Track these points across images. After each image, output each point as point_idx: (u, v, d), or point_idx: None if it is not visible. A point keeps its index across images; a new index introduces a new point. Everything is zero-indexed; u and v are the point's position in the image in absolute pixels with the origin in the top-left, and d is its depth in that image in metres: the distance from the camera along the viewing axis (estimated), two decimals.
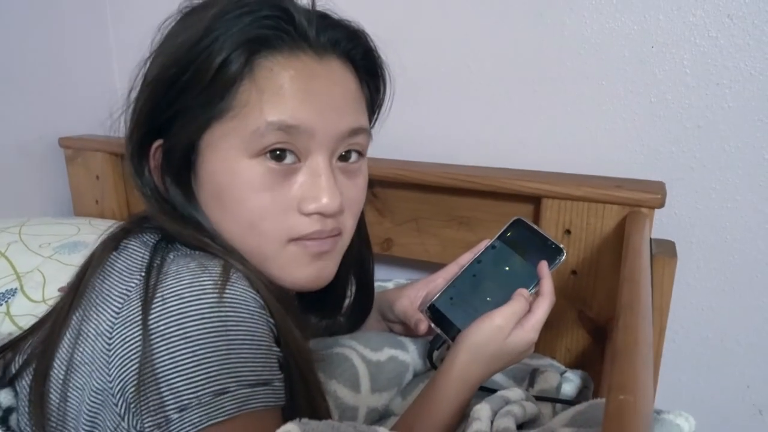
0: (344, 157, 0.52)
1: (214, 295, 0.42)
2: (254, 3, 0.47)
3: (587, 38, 0.85)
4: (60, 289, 0.90)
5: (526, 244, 0.64)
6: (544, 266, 0.61)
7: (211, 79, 0.46)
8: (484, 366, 0.56)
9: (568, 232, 0.79)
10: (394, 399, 0.66)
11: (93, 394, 0.43)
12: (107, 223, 1.14)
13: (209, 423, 0.40)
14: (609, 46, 0.84)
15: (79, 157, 1.28)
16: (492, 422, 0.49)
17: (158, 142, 0.50)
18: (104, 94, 1.36)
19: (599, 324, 0.80)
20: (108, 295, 0.46)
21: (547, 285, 0.60)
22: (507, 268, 0.64)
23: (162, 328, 0.41)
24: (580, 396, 0.68)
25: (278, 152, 0.47)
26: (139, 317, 0.42)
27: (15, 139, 1.21)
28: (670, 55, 0.81)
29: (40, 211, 1.29)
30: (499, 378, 0.70)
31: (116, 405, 0.42)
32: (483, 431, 0.47)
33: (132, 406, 0.41)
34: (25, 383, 0.49)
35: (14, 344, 0.54)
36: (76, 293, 0.48)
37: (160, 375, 0.40)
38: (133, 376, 0.41)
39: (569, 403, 0.62)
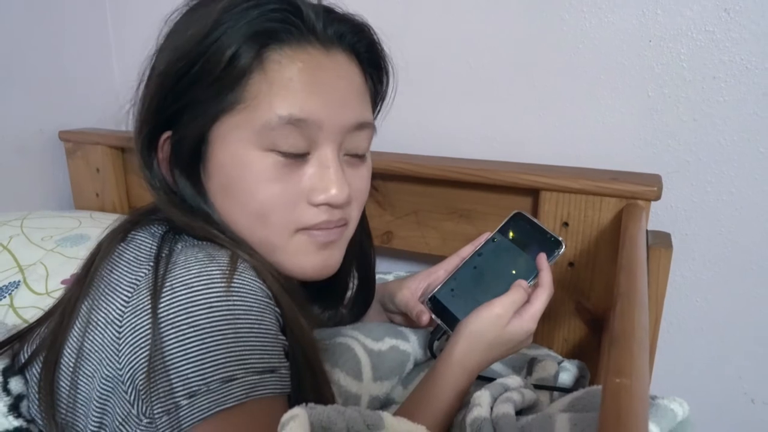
0: (350, 150, 0.53)
1: (222, 284, 0.43)
2: None
3: (586, 32, 0.86)
4: (62, 282, 0.91)
5: (526, 237, 0.66)
6: (542, 258, 0.62)
7: (221, 71, 0.46)
8: (483, 353, 0.57)
9: (566, 224, 0.80)
10: (396, 388, 0.67)
11: (103, 381, 0.44)
12: (108, 216, 1.16)
13: (218, 409, 0.40)
14: (607, 40, 0.85)
15: (79, 150, 1.28)
16: (492, 408, 0.50)
17: (167, 134, 0.50)
18: (104, 87, 1.37)
19: (596, 315, 0.81)
20: (117, 285, 0.47)
21: (546, 276, 0.61)
22: (507, 261, 0.65)
23: (171, 316, 0.42)
24: (577, 385, 0.69)
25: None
26: (149, 306, 0.43)
27: (15, 133, 1.21)
28: (667, 50, 0.82)
29: (41, 205, 1.29)
30: (498, 367, 0.72)
31: (126, 392, 0.43)
32: (483, 416, 0.48)
33: (141, 393, 0.42)
34: (35, 371, 0.49)
35: (23, 334, 0.54)
36: (84, 283, 0.49)
37: (170, 362, 0.41)
38: (142, 363, 0.42)
39: (566, 391, 0.63)
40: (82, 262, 0.52)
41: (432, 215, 0.95)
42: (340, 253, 0.56)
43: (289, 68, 0.48)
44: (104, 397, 0.44)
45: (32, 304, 0.87)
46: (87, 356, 0.46)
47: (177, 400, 0.41)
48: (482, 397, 0.51)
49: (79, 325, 0.47)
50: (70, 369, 0.46)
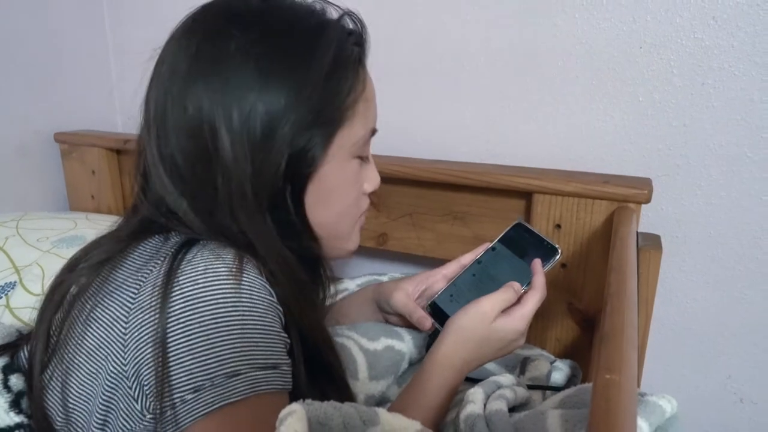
0: None
1: (229, 281, 0.44)
2: (339, 22, 0.52)
3: (578, 38, 0.88)
4: None
5: (525, 245, 0.68)
6: (537, 263, 0.65)
7: (340, 103, 0.51)
8: (470, 350, 0.59)
9: (559, 226, 0.82)
10: (391, 387, 0.68)
11: (109, 378, 0.45)
12: (104, 218, 1.16)
13: (223, 403, 0.41)
14: (599, 46, 0.87)
15: (75, 152, 1.28)
16: (485, 405, 0.51)
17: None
18: (100, 88, 1.37)
19: (588, 315, 0.83)
20: (122, 283, 0.47)
21: (538, 280, 0.63)
22: (505, 268, 0.67)
23: (177, 312, 0.43)
24: (569, 384, 0.71)
25: None
26: (155, 302, 0.43)
27: (10, 134, 1.21)
28: (657, 56, 0.84)
29: (36, 206, 1.29)
30: (491, 366, 0.73)
31: (130, 388, 0.44)
32: (477, 413, 0.49)
33: (146, 388, 0.43)
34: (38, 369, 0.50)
35: (27, 336, 0.55)
36: (84, 281, 0.49)
37: (175, 358, 0.42)
38: (148, 358, 0.42)
39: (558, 390, 0.64)
40: (74, 258, 0.52)
41: (427, 217, 0.96)
42: None
43: (370, 86, 0.55)
44: (109, 393, 0.45)
45: (28, 304, 0.87)
46: (88, 353, 0.46)
47: (182, 394, 0.41)
48: (476, 394, 0.52)
49: (80, 323, 0.48)
50: (76, 366, 0.47)
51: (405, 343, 0.70)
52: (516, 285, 0.63)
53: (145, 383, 0.43)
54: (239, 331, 0.43)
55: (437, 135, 1.02)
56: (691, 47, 0.81)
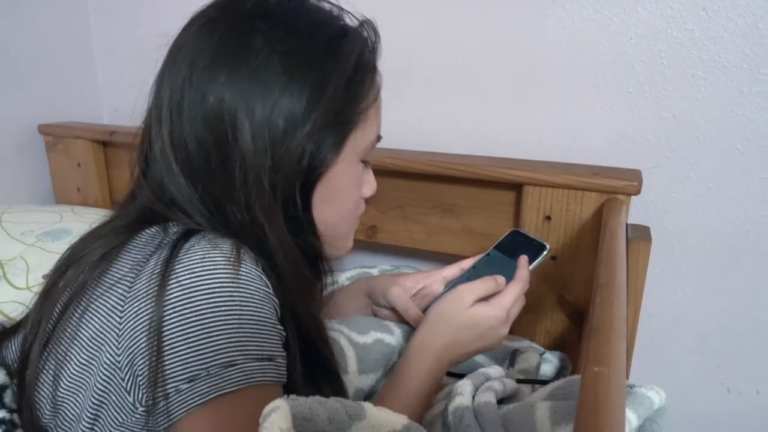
0: None
1: (226, 271, 0.44)
2: (359, 29, 0.54)
3: (568, 29, 0.87)
4: (44, 276, 0.90)
5: (517, 247, 0.70)
6: (523, 259, 0.67)
7: (362, 105, 0.53)
8: (448, 335, 0.60)
9: (549, 218, 0.81)
10: (380, 380, 0.68)
11: (102, 370, 0.44)
12: (91, 211, 1.14)
13: (217, 394, 0.41)
14: (589, 37, 0.86)
15: (60, 144, 1.27)
16: (473, 397, 0.51)
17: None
18: (85, 79, 1.35)
19: (578, 307, 0.83)
20: (117, 273, 0.47)
21: (521, 272, 0.65)
22: (497, 269, 0.68)
23: (174, 301, 0.42)
24: (559, 376, 0.71)
25: None
26: (150, 291, 0.43)
27: None
28: (647, 47, 0.83)
29: (20, 199, 1.27)
30: (480, 359, 0.73)
31: (123, 380, 0.43)
32: (465, 405, 0.49)
33: (139, 378, 0.42)
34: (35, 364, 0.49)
35: (10, 329, 0.54)
36: (77, 273, 0.49)
37: (171, 346, 0.41)
38: (143, 347, 0.42)
39: (547, 383, 0.64)
40: (72, 251, 0.52)
41: (417, 209, 0.96)
42: None
43: (380, 93, 0.57)
44: (103, 386, 0.45)
45: (12, 298, 0.86)
46: (82, 345, 0.46)
47: (176, 384, 0.41)
48: (464, 386, 0.52)
49: (76, 315, 0.47)
50: (59, 358, 0.46)
51: (394, 337, 0.70)
52: (499, 278, 0.64)
53: (139, 373, 0.42)
54: (236, 321, 0.43)
55: (427, 127, 1.02)
56: (681, 38, 0.81)
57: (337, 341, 0.65)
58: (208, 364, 0.41)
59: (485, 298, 0.62)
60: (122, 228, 0.51)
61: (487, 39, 0.93)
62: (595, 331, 0.40)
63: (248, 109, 0.47)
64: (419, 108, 1.01)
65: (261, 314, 0.45)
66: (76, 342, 0.46)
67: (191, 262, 0.44)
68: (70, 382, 0.46)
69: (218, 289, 0.43)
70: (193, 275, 0.43)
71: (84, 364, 0.45)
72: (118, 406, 0.44)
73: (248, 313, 0.44)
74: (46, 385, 0.47)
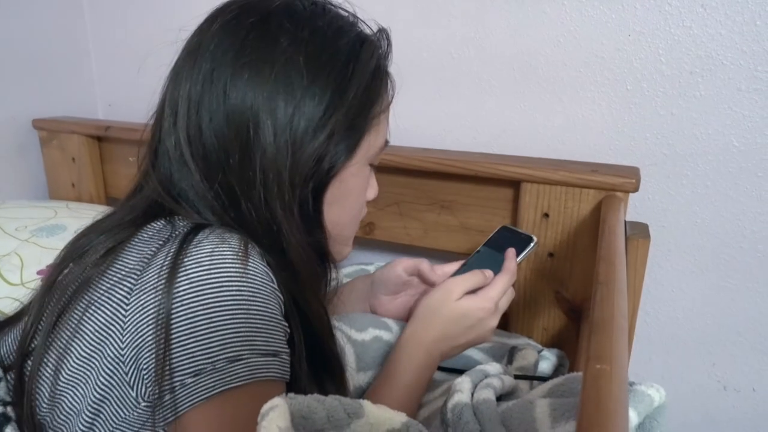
0: None
1: (235, 265, 0.44)
2: (376, 36, 0.56)
3: (566, 26, 0.87)
4: (39, 272, 0.89)
5: (505, 242, 0.70)
6: (510, 251, 0.67)
7: (377, 112, 0.54)
8: (437, 327, 0.60)
9: (546, 215, 0.81)
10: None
11: (105, 365, 0.44)
12: (85, 207, 1.13)
13: (223, 388, 0.41)
14: (587, 34, 0.86)
15: (55, 139, 1.26)
16: (472, 394, 0.51)
17: None
18: (80, 74, 1.34)
19: (575, 304, 0.83)
20: (123, 267, 0.46)
21: (508, 264, 0.66)
22: (487, 265, 0.68)
23: (182, 295, 0.42)
24: (557, 373, 0.71)
25: None
26: (158, 285, 0.43)
27: None
28: (646, 44, 0.83)
29: (14, 195, 1.26)
30: (478, 356, 0.73)
31: (126, 374, 0.43)
32: (464, 402, 0.49)
33: (144, 372, 0.42)
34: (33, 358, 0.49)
35: (13, 319, 0.54)
36: (79, 269, 0.48)
37: (178, 340, 0.41)
38: (149, 341, 0.42)
39: (545, 380, 0.64)
40: (74, 244, 0.51)
41: (414, 206, 0.95)
42: None
43: (392, 99, 0.58)
44: (106, 382, 0.44)
45: (7, 294, 0.85)
46: (85, 338, 0.45)
47: (182, 378, 0.41)
48: (463, 383, 0.52)
49: (79, 309, 0.46)
50: (60, 351, 0.46)
51: (393, 334, 0.70)
52: (487, 271, 0.65)
53: (144, 367, 0.42)
54: (243, 316, 0.43)
55: (424, 123, 1.01)
56: (679, 35, 0.81)
57: (336, 339, 0.65)
58: (215, 359, 0.41)
59: (474, 291, 0.63)
60: (128, 222, 0.50)
61: (485, 35, 0.93)
62: (596, 328, 0.40)
63: (271, 107, 0.48)
64: (416, 104, 1.01)
65: (268, 309, 0.45)
66: (78, 335, 0.46)
67: (200, 256, 0.44)
68: (70, 376, 0.46)
69: (227, 284, 0.43)
70: (202, 269, 0.43)
71: (86, 358, 0.45)
72: (120, 402, 0.43)
73: (255, 307, 0.44)
74: (45, 378, 0.47)
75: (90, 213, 1.05)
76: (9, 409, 0.48)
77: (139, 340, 0.42)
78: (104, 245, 0.49)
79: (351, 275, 0.92)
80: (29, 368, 0.48)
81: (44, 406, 0.47)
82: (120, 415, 0.44)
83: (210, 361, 0.41)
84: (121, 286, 0.45)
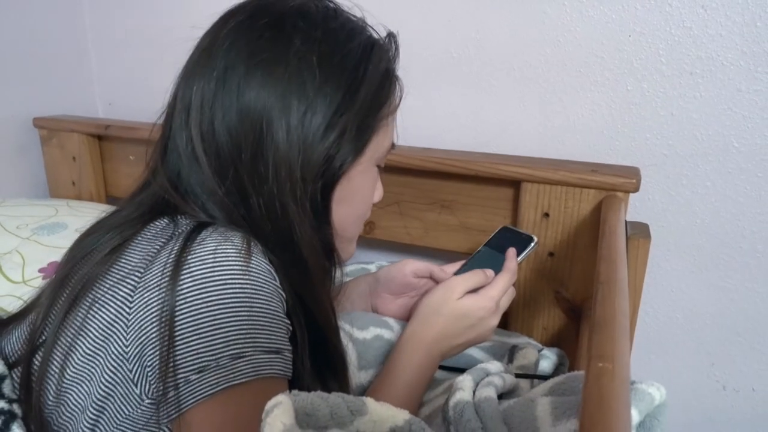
0: None
1: (238, 263, 0.44)
2: (386, 40, 0.56)
3: (567, 26, 0.87)
4: (41, 270, 0.89)
5: (506, 242, 0.70)
6: (511, 251, 0.68)
7: (387, 113, 0.55)
8: (437, 326, 0.61)
9: (547, 215, 0.82)
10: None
11: (110, 362, 0.44)
12: (86, 205, 1.13)
13: (227, 385, 0.41)
14: (588, 34, 0.86)
15: (55, 137, 1.26)
16: (474, 392, 0.51)
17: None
18: (80, 72, 1.34)
19: (575, 304, 0.83)
20: (126, 264, 0.47)
21: (509, 264, 0.66)
22: (488, 265, 0.68)
23: (186, 292, 0.42)
24: (557, 372, 0.71)
25: None
26: (162, 282, 0.43)
27: None
28: (646, 44, 0.83)
29: (15, 193, 1.26)
30: (479, 355, 0.73)
31: (130, 371, 0.43)
32: (466, 400, 0.49)
33: (148, 369, 0.42)
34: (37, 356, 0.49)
35: (16, 317, 0.54)
36: (84, 265, 0.49)
37: (182, 337, 0.41)
38: (153, 338, 0.42)
39: (546, 378, 0.65)
40: (82, 242, 0.52)
41: (414, 206, 0.95)
42: None
43: (400, 101, 0.58)
44: (110, 379, 0.44)
45: (8, 292, 0.85)
46: (90, 335, 0.45)
47: (186, 374, 0.41)
48: (464, 381, 0.52)
49: (85, 306, 0.47)
50: (66, 348, 0.46)
51: (394, 332, 0.70)
52: (488, 271, 0.65)
53: (148, 364, 0.42)
54: (246, 313, 0.43)
55: (424, 123, 1.01)
56: (679, 36, 0.81)
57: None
58: (218, 355, 0.41)
59: (475, 291, 0.63)
60: (135, 219, 0.51)
61: (485, 35, 0.93)
62: (598, 327, 0.40)
63: (284, 106, 0.49)
64: (417, 104, 1.01)
65: (270, 307, 0.45)
66: (83, 333, 0.46)
67: (203, 254, 0.44)
68: (75, 373, 0.46)
69: (230, 281, 0.43)
70: (205, 267, 0.43)
71: (90, 355, 0.45)
72: (124, 398, 0.44)
73: (258, 305, 0.44)
74: (52, 374, 0.47)
75: (90, 211, 1.05)
76: (15, 406, 0.48)
77: (143, 337, 0.43)
78: (110, 243, 0.49)
79: (352, 274, 0.93)
80: (37, 364, 0.48)
81: (50, 401, 0.47)
82: (124, 412, 0.44)
83: (213, 358, 0.41)
84: (124, 284, 0.46)
